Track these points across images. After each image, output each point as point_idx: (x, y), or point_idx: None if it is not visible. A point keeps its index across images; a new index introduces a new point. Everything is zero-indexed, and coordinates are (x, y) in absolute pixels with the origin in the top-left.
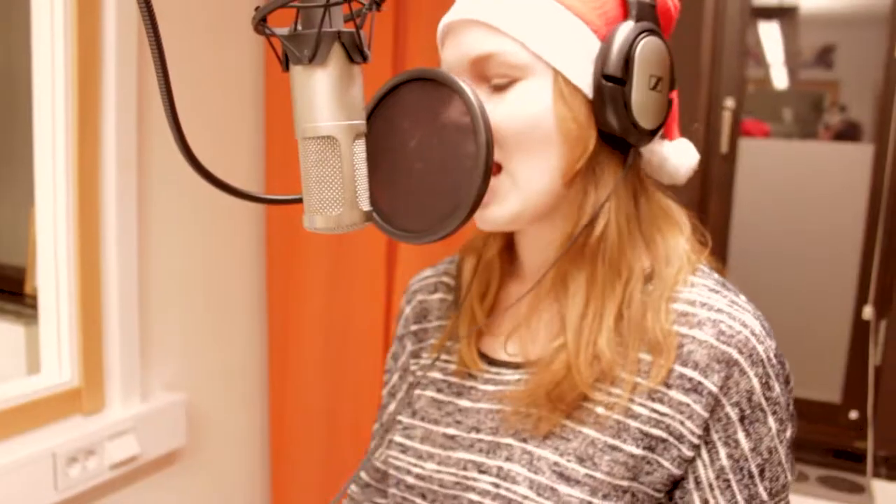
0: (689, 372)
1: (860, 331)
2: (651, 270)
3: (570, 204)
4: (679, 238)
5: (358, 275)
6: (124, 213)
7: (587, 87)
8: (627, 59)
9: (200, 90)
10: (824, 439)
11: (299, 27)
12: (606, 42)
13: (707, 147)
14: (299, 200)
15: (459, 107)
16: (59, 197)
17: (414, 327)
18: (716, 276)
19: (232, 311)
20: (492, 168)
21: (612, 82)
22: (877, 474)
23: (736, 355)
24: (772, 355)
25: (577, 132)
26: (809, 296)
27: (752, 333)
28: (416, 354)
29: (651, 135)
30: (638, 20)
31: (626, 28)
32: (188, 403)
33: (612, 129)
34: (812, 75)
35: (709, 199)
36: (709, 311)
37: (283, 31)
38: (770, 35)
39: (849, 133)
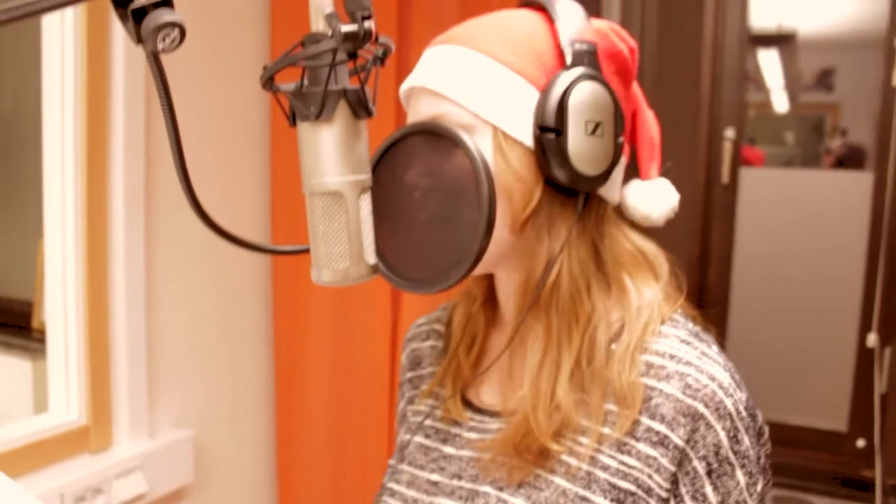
0: (656, 425)
1: (865, 358)
2: (622, 322)
3: (525, 252)
4: (651, 285)
5: (364, 312)
6: (132, 250)
7: (528, 138)
8: (561, 108)
9: (208, 140)
10: (831, 468)
11: (306, 83)
12: (543, 93)
13: (708, 177)
14: (306, 251)
15: (462, 160)
16: (68, 233)
17: (409, 374)
18: (690, 325)
19: (239, 348)
20: (494, 222)
21: (549, 132)
22: (885, 503)
23: (702, 409)
24: (741, 408)
25: (517, 184)
26: (813, 324)
27: (720, 387)
28: (411, 401)
29: (600, 180)
30: (573, 66)
31: (561, 77)
32: (195, 440)
33: (556, 179)
34: (812, 98)
35: (711, 228)
36: (677, 363)
37: (290, 86)
38: (769, 61)
39: (851, 157)
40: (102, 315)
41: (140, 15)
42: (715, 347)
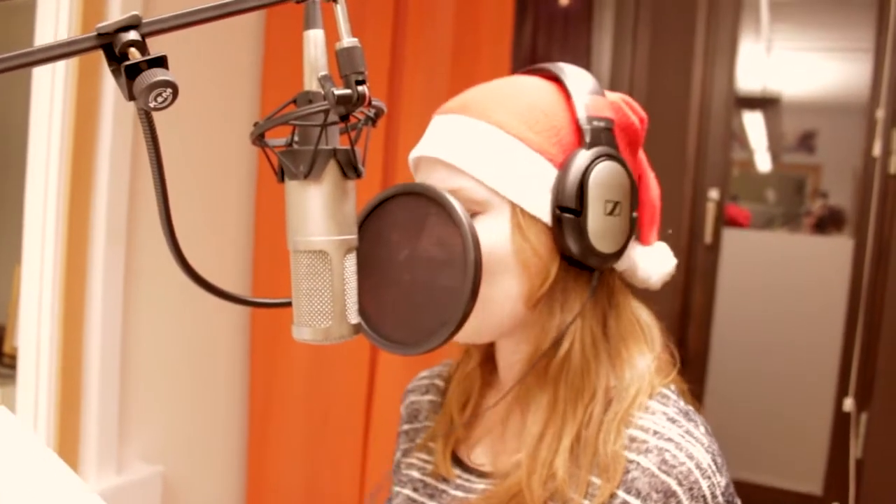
0: (631, 499)
1: (841, 423)
2: (614, 389)
3: (536, 324)
4: (646, 356)
5: (342, 354)
6: (111, 282)
7: (546, 216)
8: (581, 189)
9: (194, 189)
10: None
11: (296, 140)
12: (562, 171)
13: (691, 237)
14: (288, 304)
15: (449, 223)
16: (47, 259)
17: (406, 427)
18: (681, 403)
19: (214, 384)
20: (479, 288)
21: (568, 213)
22: None
23: (675, 486)
24: (717, 493)
25: (535, 261)
26: (791, 386)
27: (698, 467)
28: (406, 453)
29: (616, 257)
30: (592, 146)
31: (580, 157)
32: (165, 476)
33: (573, 257)
34: (795, 159)
35: (692, 287)
36: (659, 439)
37: (280, 141)
38: (754, 122)
39: (831, 219)
40: (76, 344)
41: (133, 72)
42: (703, 428)
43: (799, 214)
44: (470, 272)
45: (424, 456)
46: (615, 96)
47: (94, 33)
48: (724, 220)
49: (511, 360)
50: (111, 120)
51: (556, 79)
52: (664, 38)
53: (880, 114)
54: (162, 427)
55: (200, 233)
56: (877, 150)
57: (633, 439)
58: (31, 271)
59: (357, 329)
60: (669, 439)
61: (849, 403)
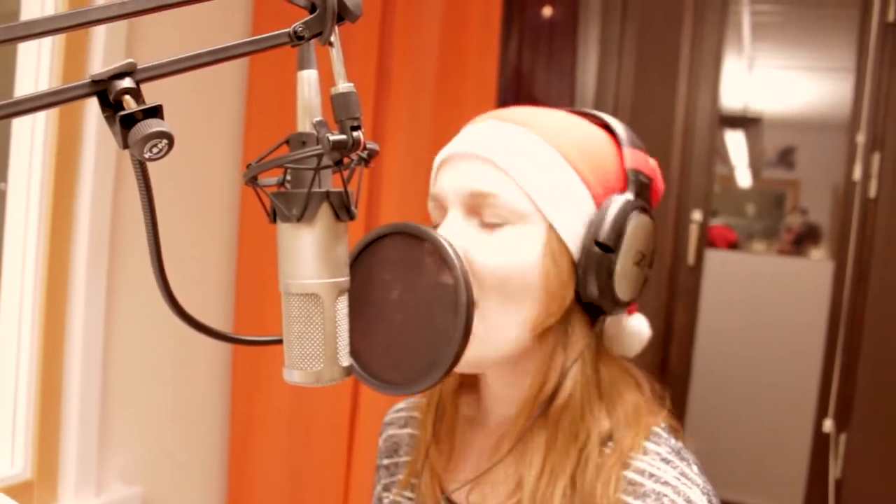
0: None
1: (821, 443)
2: (609, 432)
3: (538, 361)
4: (638, 400)
5: None
6: (92, 302)
7: (575, 248)
8: (620, 231)
9: (179, 225)
10: None
11: (288, 180)
12: (603, 209)
13: (674, 258)
14: (277, 342)
15: (441, 264)
16: (27, 277)
17: (386, 461)
18: (672, 441)
19: (195, 406)
20: (471, 331)
21: (602, 249)
22: None
23: None
24: None
25: (557, 289)
26: (771, 406)
27: None
28: (387, 488)
29: (624, 307)
30: (636, 196)
31: (624, 200)
32: (144, 497)
33: (590, 293)
34: (774, 174)
35: (675, 308)
36: (655, 482)
37: (271, 180)
38: (735, 140)
39: (809, 235)
40: (56, 364)
41: (128, 121)
42: (695, 467)
43: (778, 230)
44: (462, 314)
45: (409, 494)
46: (652, 161)
47: (88, 80)
48: (709, 240)
49: (503, 394)
50: (94, 144)
51: (604, 126)
52: (649, 56)
53: (860, 138)
54: (142, 448)
55: (183, 261)
56: (857, 173)
57: (630, 482)
58: (11, 291)
59: (348, 371)
60: (666, 482)
61: (828, 424)
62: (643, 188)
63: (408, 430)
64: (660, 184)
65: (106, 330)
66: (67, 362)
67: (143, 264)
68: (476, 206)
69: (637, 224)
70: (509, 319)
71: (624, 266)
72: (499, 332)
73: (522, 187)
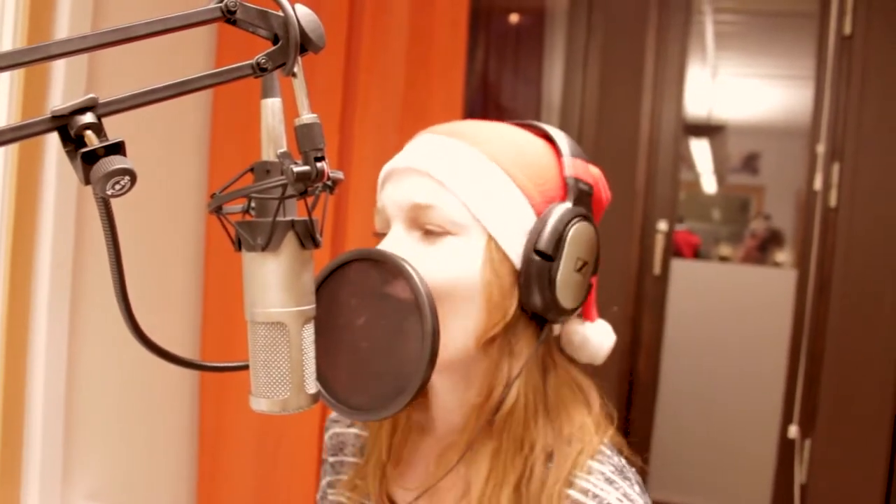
0: None
1: (786, 449)
2: (553, 448)
3: (483, 370)
4: (584, 417)
5: None
6: (55, 313)
7: (516, 258)
8: (560, 239)
9: (143, 254)
10: None
11: (253, 208)
12: (542, 218)
13: (640, 268)
14: (244, 367)
15: (407, 291)
16: None
17: (331, 459)
18: (615, 459)
19: (161, 420)
20: (437, 356)
21: (542, 258)
22: None
23: None
24: None
25: (499, 299)
26: (738, 413)
27: None
28: (332, 485)
29: (569, 314)
30: (575, 204)
31: (563, 209)
32: None
33: (533, 302)
34: (739, 180)
35: (642, 318)
36: (597, 503)
37: (237, 208)
38: (700, 147)
39: (773, 241)
40: (19, 376)
41: (90, 158)
42: (637, 487)
43: (743, 235)
44: (428, 341)
45: (354, 496)
46: (595, 170)
47: (49, 115)
48: (674, 248)
49: (450, 403)
50: (55, 170)
51: (545, 136)
52: (614, 65)
53: (820, 148)
54: (107, 466)
55: (149, 287)
56: (818, 183)
57: (574, 502)
58: None
59: (315, 398)
60: None
61: (793, 430)
62: (583, 196)
63: (354, 430)
64: (604, 192)
65: (70, 348)
66: (29, 380)
67: (108, 284)
68: (417, 219)
69: (577, 231)
70: (453, 329)
71: (565, 274)
72: (445, 340)
73: (460, 198)
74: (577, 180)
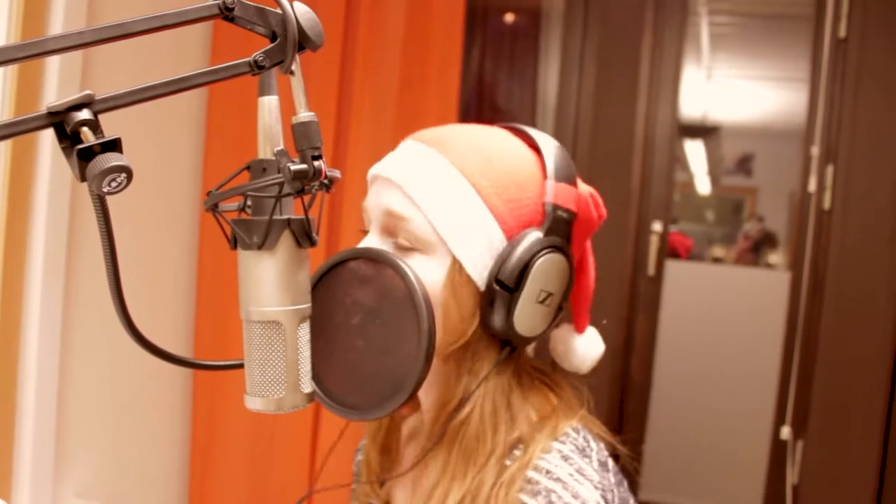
0: None
1: (778, 450)
2: (518, 436)
3: (443, 381)
4: (548, 411)
5: None
6: (48, 311)
7: (480, 281)
8: (525, 269)
9: (138, 251)
10: None
11: (249, 206)
12: (511, 245)
13: (635, 269)
14: (238, 366)
15: (403, 290)
16: None
17: (354, 486)
18: (580, 440)
19: (153, 417)
20: (434, 355)
21: (503, 288)
22: None
23: None
24: None
25: (457, 319)
26: (730, 414)
27: None
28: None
29: (531, 341)
30: (548, 233)
31: (533, 238)
32: None
33: (493, 326)
34: (733, 181)
35: (636, 318)
36: (549, 479)
37: (232, 206)
38: (695, 149)
39: (766, 242)
40: (10, 373)
41: (86, 154)
42: (595, 464)
43: (737, 236)
44: (424, 340)
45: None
46: (585, 189)
47: (45, 112)
48: (667, 250)
49: (423, 406)
50: (49, 164)
51: (536, 149)
52: (610, 66)
53: (814, 151)
54: (99, 462)
55: (143, 286)
56: (812, 185)
57: (528, 480)
58: None
59: (311, 397)
60: (558, 479)
61: (786, 431)
62: (560, 224)
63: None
64: (594, 211)
65: (62, 346)
66: (21, 375)
67: (102, 281)
68: (391, 227)
69: (544, 263)
70: None
71: (525, 305)
72: None
73: (428, 217)
74: (556, 207)
